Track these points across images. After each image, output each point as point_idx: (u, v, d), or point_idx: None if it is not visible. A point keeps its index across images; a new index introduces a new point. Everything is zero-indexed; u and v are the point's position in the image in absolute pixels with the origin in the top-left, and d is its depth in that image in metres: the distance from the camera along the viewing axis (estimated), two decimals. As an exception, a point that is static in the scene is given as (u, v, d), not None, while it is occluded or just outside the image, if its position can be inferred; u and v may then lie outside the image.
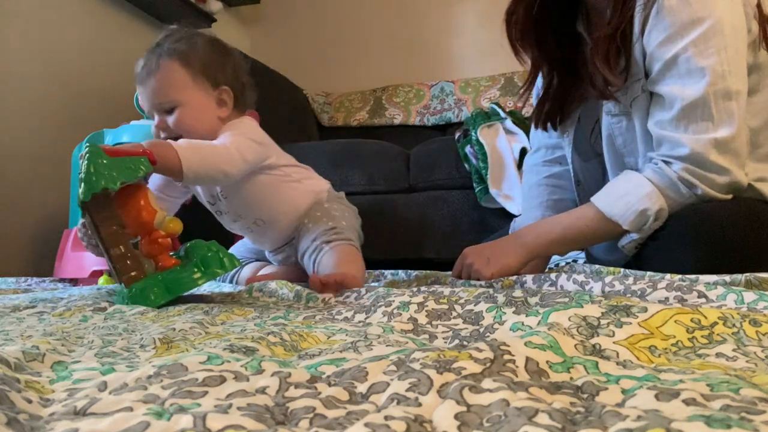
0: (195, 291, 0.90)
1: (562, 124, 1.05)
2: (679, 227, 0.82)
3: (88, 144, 0.77)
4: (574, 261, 1.13)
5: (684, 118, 0.81)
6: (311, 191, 1.13)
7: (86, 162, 0.74)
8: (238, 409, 0.28)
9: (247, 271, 1.22)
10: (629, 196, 0.85)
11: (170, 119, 0.98)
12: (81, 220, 0.90)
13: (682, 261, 0.79)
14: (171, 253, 0.84)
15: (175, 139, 0.93)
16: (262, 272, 1.20)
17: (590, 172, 1.06)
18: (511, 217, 1.73)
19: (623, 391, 0.30)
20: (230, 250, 1.19)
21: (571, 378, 0.34)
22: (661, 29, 0.81)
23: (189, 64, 0.99)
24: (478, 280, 0.91)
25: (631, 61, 0.87)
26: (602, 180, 1.01)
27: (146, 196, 0.81)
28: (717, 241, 0.78)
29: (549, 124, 1.05)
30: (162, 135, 1.00)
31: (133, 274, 0.78)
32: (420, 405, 0.28)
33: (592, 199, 0.90)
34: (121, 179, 0.74)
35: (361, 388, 0.32)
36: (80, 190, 0.74)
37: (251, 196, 1.08)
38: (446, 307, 0.60)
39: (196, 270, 0.80)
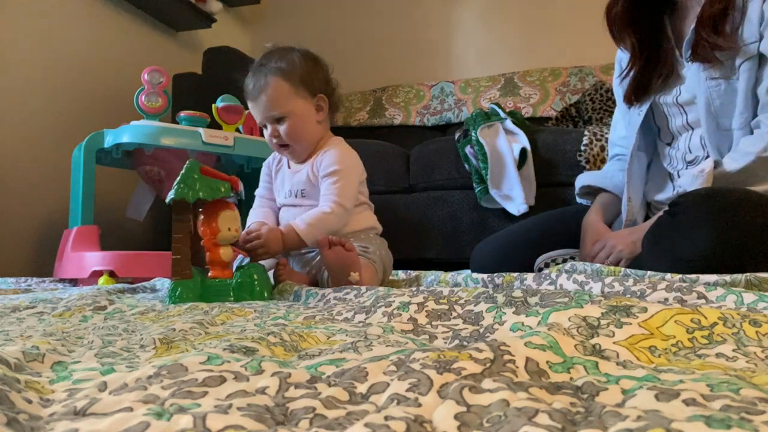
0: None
1: (639, 100, 1.15)
2: (695, 204, 0.86)
3: (190, 159, 0.93)
4: (572, 258, 1.13)
5: None
6: (370, 221, 1.26)
7: (181, 174, 0.91)
8: (238, 409, 0.28)
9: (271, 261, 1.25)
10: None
11: (281, 128, 1.16)
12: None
13: (698, 236, 0.82)
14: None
15: (285, 146, 1.18)
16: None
17: (640, 160, 1.16)
18: (511, 217, 1.73)
19: (623, 392, 0.30)
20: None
21: (571, 378, 0.34)
22: None
23: (290, 78, 1.16)
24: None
25: (743, 25, 0.95)
26: (646, 172, 1.16)
27: (226, 215, 0.94)
28: (729, 215, 0.81)
29: (633, 98, 1.15)
30: (274, 141, 1.19)
31: (185, 272, 0.91)
32: (420, 405, 0.28)
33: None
34: (199, 195, 0.90)
35: (361, 388, 0.32)
36: (170, 194, 0.92)
37: None
38: (446, 307, 0.60)
39: (229, 291, 0.92)
